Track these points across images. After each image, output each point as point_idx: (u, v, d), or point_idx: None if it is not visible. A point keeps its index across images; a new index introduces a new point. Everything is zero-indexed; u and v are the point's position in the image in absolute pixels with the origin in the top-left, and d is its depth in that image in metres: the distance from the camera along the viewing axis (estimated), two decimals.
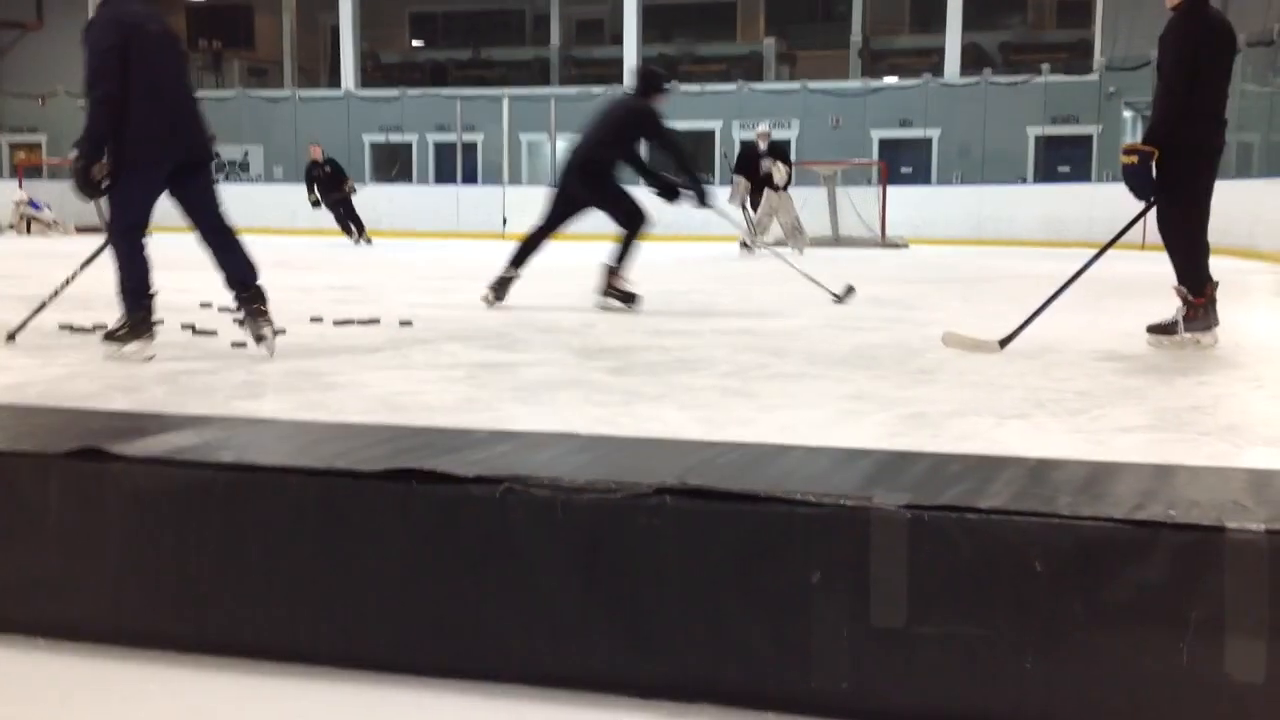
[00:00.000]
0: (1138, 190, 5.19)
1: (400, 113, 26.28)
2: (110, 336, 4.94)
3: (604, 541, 1.84)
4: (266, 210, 23.50)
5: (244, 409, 3.59)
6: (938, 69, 24.81)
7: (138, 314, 4.97)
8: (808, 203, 18.87)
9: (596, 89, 25.63)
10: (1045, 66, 23.27)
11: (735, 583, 1.78)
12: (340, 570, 1.94)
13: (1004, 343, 5.03)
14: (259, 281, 5.20)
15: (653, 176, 8.18)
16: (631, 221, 7.75)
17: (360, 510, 1.93)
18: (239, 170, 27.37)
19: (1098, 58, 22.99)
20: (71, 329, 5.77)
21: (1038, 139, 23.32)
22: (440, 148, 26.35)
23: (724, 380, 4.31)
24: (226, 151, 27.22)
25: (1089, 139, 22.82)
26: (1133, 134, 22.05)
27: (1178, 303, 5.30)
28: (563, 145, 26.03)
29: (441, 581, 1.91)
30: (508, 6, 30.98)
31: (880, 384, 4.24)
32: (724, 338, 5.68)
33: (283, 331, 5.67)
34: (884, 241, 18.07)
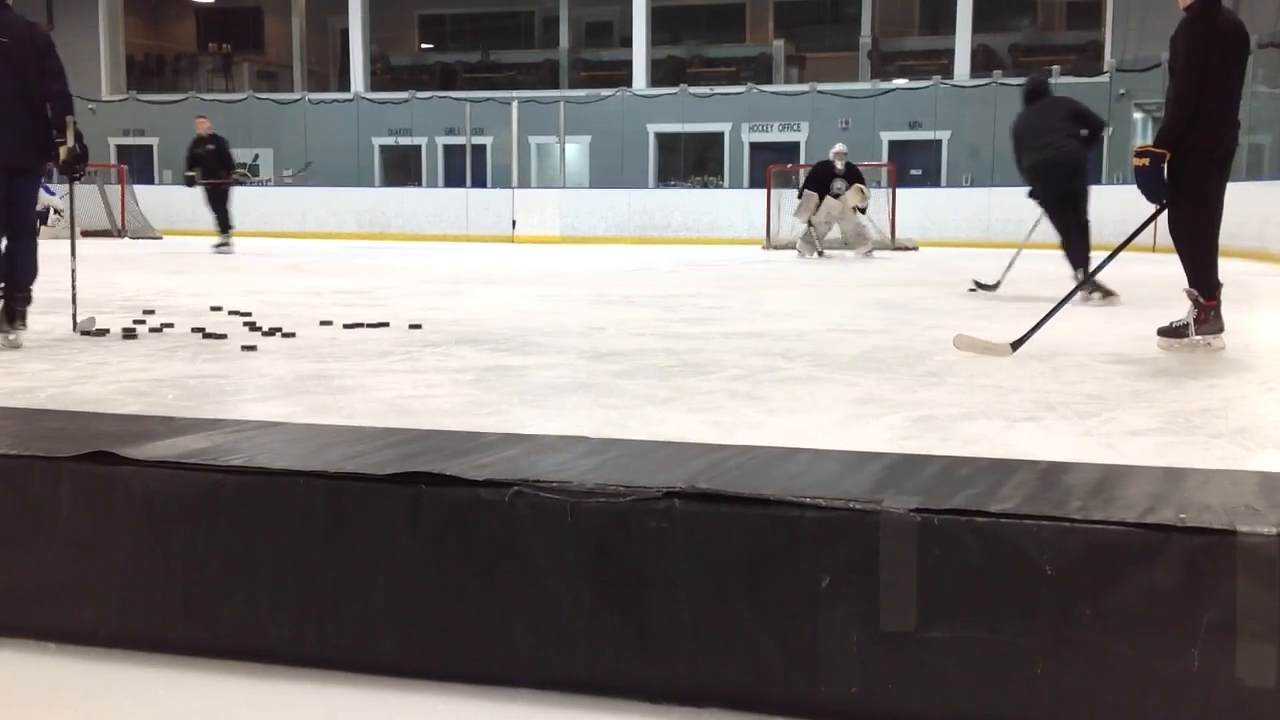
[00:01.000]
0: (1150, 193, 5.18)
1: (409, 115, 26.33)
2: None
3: (613, 545, 1.84)
4: (276, 214, 23.58)
5: (254, 412, 3.59)
6: (947, 71, 24.79)
7: None
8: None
9: (605, 91, 25.67)
10: (1055, 68, 23.23)
11: (744, 586, 1.78)
12: (350, 574, 1.94)
13: (1016, 345, 5.02)
14: (32, 286, 5.65)
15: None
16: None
17: (370, 514, 1.93)
18: (249, 173, 27.42)
19: (1108, 59, 22.94)
20: (84, 332, 5.79)
21: None
22: (449, 150, 26.39)
23: (733, 384, 4.31)
24: (236, 154, 27.32)
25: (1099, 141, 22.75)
26: (1143, 136, 21.99)
27: (1188, 305, 5.29)
28: (573, 148, 26.04)
29: (450, 585, 1.91)
30: (517, 9, 31.02)
31: (889, 387, 4.23)
32: (732, 341, 5.68)
33: (293, 335, 5.70)
34: (894, 243, 18.04)
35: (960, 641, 1.69)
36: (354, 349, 5.25)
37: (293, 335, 5.70)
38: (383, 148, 26.95)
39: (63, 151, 5.60)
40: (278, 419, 3.03)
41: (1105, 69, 22.81)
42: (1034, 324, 5.12)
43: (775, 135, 24.87)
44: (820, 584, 1.74)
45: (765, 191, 19.69)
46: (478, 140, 25.32)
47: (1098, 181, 21.80)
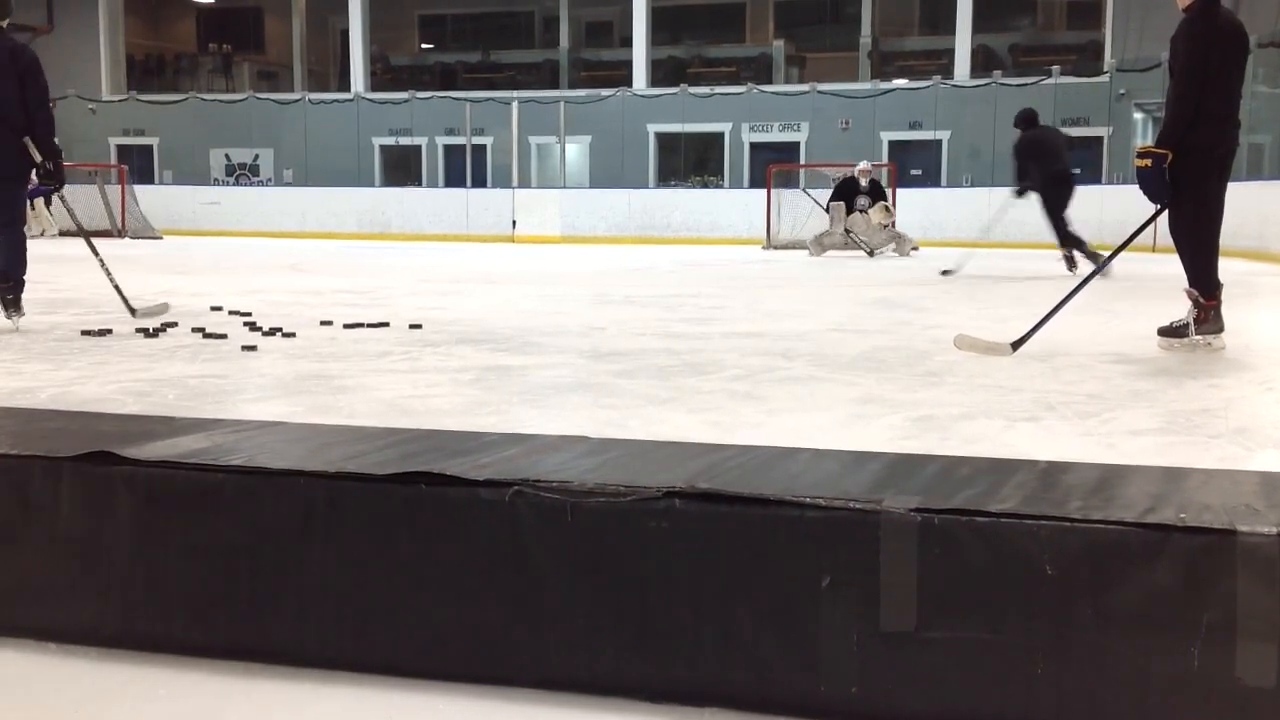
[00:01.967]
0: (1151, 193, 5.18)
1: (409, 116, 26.33)
2: None
3: (613, 545, 1.84)
4: (276, 214, 23.58)
5: (254, 412, 3.59)
6: (947, 71, 24.79)
7: None
8: (817, 206, 18.86)
9: (605, 91, 25.67)
10: (1055, 68, 23.23)
11: (744, 586, 1.78)
12: (350, 573, 1.94)
13: (1016, 345, 5.02)
14: (24, 278, 6.20)
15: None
16: None
17: (370, 513, 1.93)
18: (249, 173, 27.44)
19: (1108, 59, 22.94)
20: (84, 332, 5.79)
21: None
22: (449, 150, 26.39)
23: (733, 383, 4.31)
24: (236, 154, 27.35)
25: (1099, 141, 22.77)
26: (1144, 136, 22.00)
27: (1188, 305, 5.29)
28: (573, 148, 26.03)
29: (450, 585, 1.91)
30: (517, 9, 31.02)
31: (889, 387, 4.23)
32: (733, 341, 5.68)
33: (293, 335, 5.70)
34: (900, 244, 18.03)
35: (960, 641, 1.69)
36: (354, 349, 5.25)
37: (293, 335, 5.71)
38: (383, 148, 26.96)
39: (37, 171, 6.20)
40: (278, 419, 3.03)
41: (1105, 69, 22.81)
42: (1034, 324, 5.13)
43: (775, 135, 24.88)
44: (820, 584, 1.74)
45: (765, 191, 19.70)
46: (478, 140, 25.33)
47: (1098, 181, 21.84)
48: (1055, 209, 10.84)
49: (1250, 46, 5.31)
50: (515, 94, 25.28)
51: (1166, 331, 5.33)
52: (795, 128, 24.61)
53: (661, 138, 25.73)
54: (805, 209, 19.21)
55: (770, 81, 27.04)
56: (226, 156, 27.41)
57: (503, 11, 31.00)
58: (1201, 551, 1.61)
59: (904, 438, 3.29)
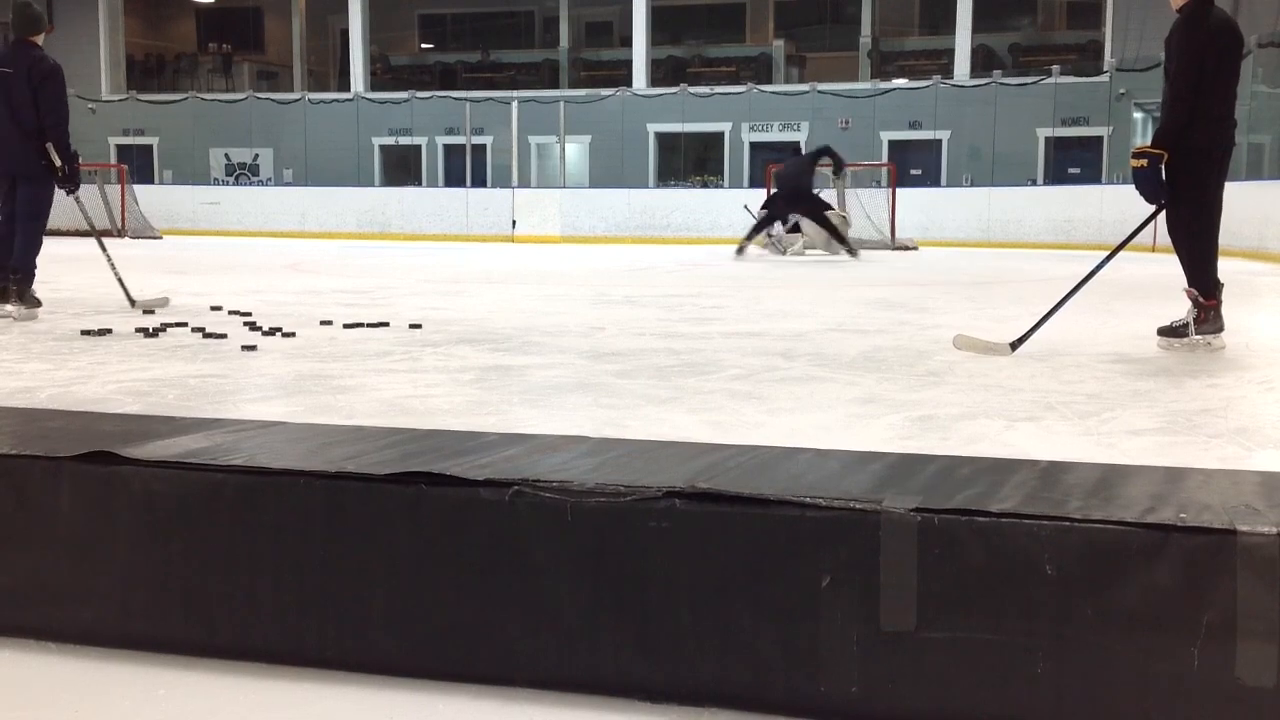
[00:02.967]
0: (1148, 193, 5.19)
1: (409, 115, 26.34)
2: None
3: (613, 544, 1.84)
4: (276, 214, 23.58)
5: (254, 412, 3.59)
6: (947, 71, 24.80)
7: None
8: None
9: (605, 91, 25.68)
10: (1055, 68, 23.24)
11: (744, 586, 1.78)
12: (349, 573, 1.94)
13: (1015, 345, 5.02)
14: (29, 269, 6.72)
15: None
16: None
17: (369, 513, 1.93)
18: (249, 173, 27.45)
19: (1108, 59, 22.94)
20: (82, 331, 5.79)
21: (1048, 141, 23.30)
22: (449, 150, 26.40)
23: (733, 383, 4.31)
24: (236, 154, 27.36)
25: (1099, 141, 22.78)
26: (1143, 135, 22.02)
27: (1188, 305, 5.29)
28: (573, 148, 26.05)
29: (450, 585, 1.91)
30: (517, 9, 31.03)
31: (889, 386, 4.23)
32: (732, 341, 5.68)
33: (293, 335, 5.70)
34: (893, 243, 18.06)
35: (960, 641, 1.69)
36: (354, 349, 5.25)
37: (293, 335, 5.71)
38: (383, 148, 26.96)
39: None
40: (278, 419, 3.03)
41: (1105, 69, 22.81)
42: (1033, 324, 5.13)
43: (775, 135, 24.88)
44: (820, 584, 1.74)
45: (765, 191, 19.68)
46: (478, 140, 25.33)
47: (1098, 181, 21.85)
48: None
49: (1246, 46, 5.31)
50: (515, 94, 25.28)
51: (1166, 331, 5.33)
52: (795, 128, 24.61)
53: (661, 138, 25.74)
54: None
55: (770, 81, 27.05)
56: (226, 156, 27.42)
57: (503, 11, 31.01)
58: (1201, 551, 1.61)
59: (904, 438, 3.29)
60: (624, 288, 9.67)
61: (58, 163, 6.69)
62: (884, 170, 20.86)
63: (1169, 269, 5.88)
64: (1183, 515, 1.66)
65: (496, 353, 5.17)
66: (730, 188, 24.15)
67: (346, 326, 6.08)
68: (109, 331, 5.78)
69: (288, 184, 26.20)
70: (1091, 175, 22.45)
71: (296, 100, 27.39)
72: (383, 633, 1.93)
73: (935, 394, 4.08)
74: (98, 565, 2.05)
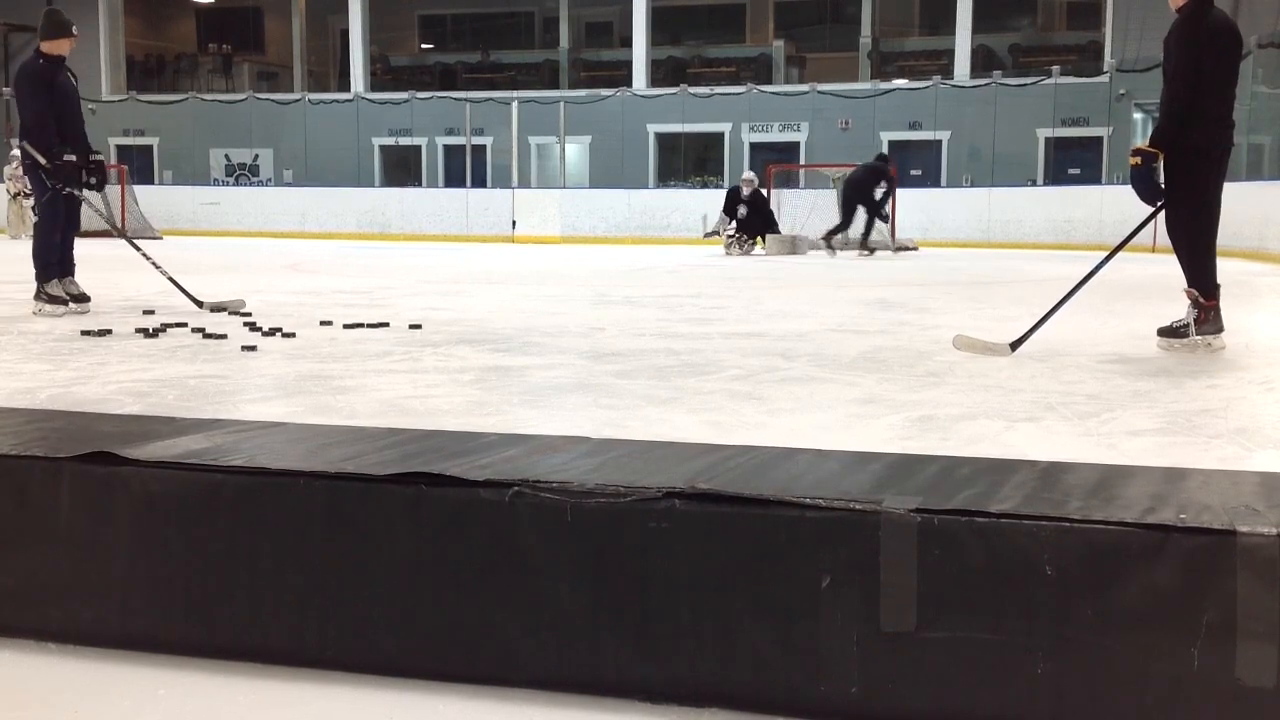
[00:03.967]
0: (1143, 193, 5.19)
1: (409, 116, 26.34)
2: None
3: (613, 545, 1.84)
4: (276, 214, 23.57)
5: (254, 412, 3.59)
6: (947, 71, 24.80)
7: None
8: (816, 205, 18.87)
9: (605, 91, 25.68)
10: (1055, 68, 23.24)
11: (744, 586, 1.78)
12: (349, 574, 1.94)
13: (1015, 345, 5.02)
14: (45, 269, 7.03)
15: None
16: None
17: (369, 514, 1.93)
18: (249, 174, 27.45)
19: (1108, 59, 22.95)
20: (81, 332, 5.79)
21: (1048, 141, 23.30)
22: (449, 150, 26.40)
23: (732, 384, 4.31)
24: (236, 155, 27.36)
25: (1099, 141, 22.78)
26: (1143, 136, 22.01)
27: (1188, 305, 5.29)
28: (573, 148, 26.04)
29: (450, 585, 1.91)
30: (517, 9, 31.03)
31: (889, 387, 4.23)
32: (732, 341, 5.68)
33: (293, 335, 5.70)
34: (893, 243, 18.05)
35: (960, 641, 1.69)
36: (354, 349, 5.25)
37: (293, 335, 5.70)
38: (383, 148, 26.96)
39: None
40: (278, 419, 3.03)
41: (1105, 69, 22.81)
42: (1033, 324, 5.13)
43: (775, 135, 24.89)
44: (820, 584, 1.74)
45: (766, 191, 19.68)
46: (478, 140, 25.33)
47: (1098, 182, 21.85)
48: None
49: (1245, 46, 5.32)
50: (515, 94, 25.28)
51: (1166, 332, 5.33)
52: (795, 128, 24.62)
53: (661, 138, 25.74)
54: (805, 208, 19.22)
55: (770, 81, 27.05)
56: (226, 156, 27.42)
57: (503, 11, 31.00)
58: (1201, 551, 1.61)
59: (904, 438, 3.29)
60: (624, 288, 9.67)
61: (42, 162, 6.85)
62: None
63: (1169, 269, 5.87)
64: (1183, 516, 1.66)
65: (496, 353, 5.17)
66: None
67: (346, 327, 6.08)
68: (109, 332, 5.78)
69: (288, 184, 26.20)
70: (1091, 176, 22.45)
71: (296, 101, 27.40)
72: (383, 633, 1.93)
73: (935, 394, 4.08)
74: (98, 565, 2.05)
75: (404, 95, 26.69)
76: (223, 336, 5.57)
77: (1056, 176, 23.06)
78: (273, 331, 5.75)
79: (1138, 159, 5.14)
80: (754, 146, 24.96)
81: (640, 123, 25.47)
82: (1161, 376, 4.59)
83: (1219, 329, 5.24)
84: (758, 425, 3.52)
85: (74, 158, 6.92)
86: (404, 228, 22.77)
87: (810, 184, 21.13)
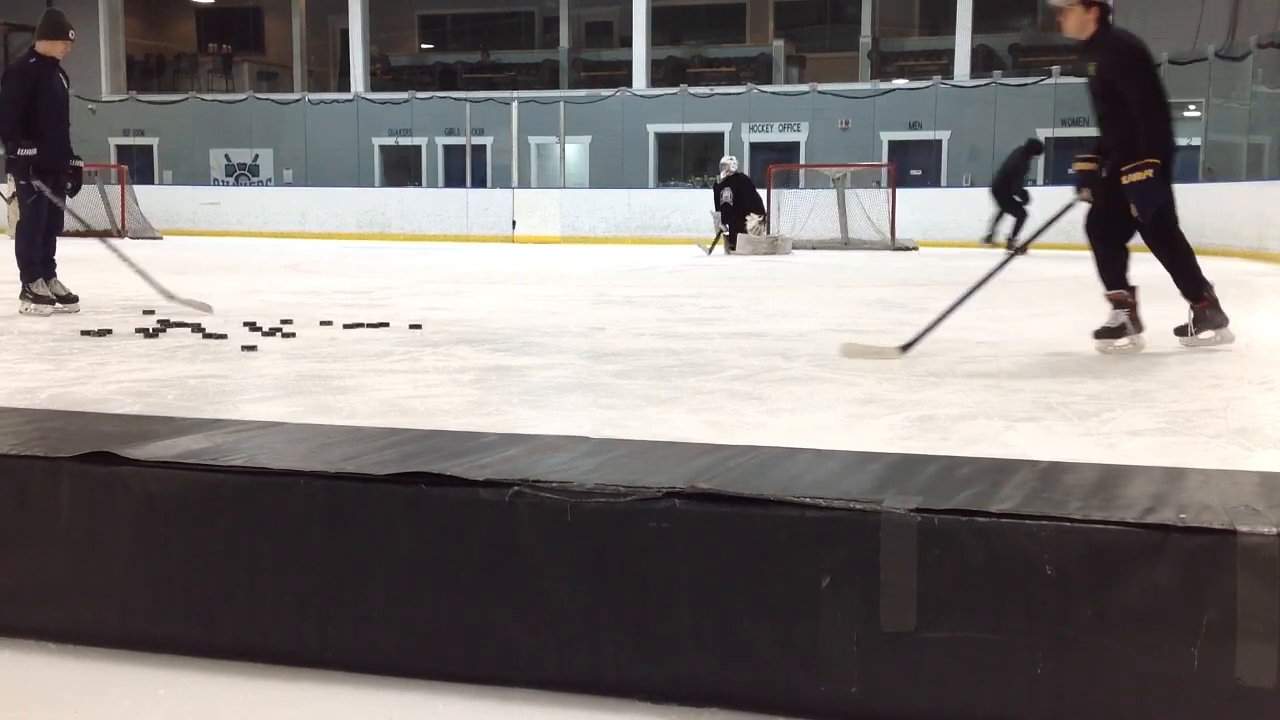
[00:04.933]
0: (1157, 201, 5.13)
1: (409, 116, 26.33)
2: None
3: (613, 545, 1.84)
4: (276, 214, 23.56)
5: (254, 412, 3.59)
6: (947, 71, 24.78)
7: None
8: (816, 205, 18.86)
9: (605, 91, 25.67)
10: (1055, 68, 23.21)
11: (744, 586, 1.78)
12: (349, 574, 1.94)
13: (905, 348, 4.95)
14: (28, 268, 7.04)
15: None
16: None
17: (369, 514, 1.93)
18: (249, 174, 27.44)
19: None
20: (83, 332, 5.79)
21: (1048, 141, 23.27)
22: (449, 150, 26.39)
23: (733, 384, 4.31)
24: (236, 155, 27.35)
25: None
26: None
27: (1187, 307, 5.31)
28: (573, 148, 26.02)
29: (450, 585, 1.91)
30: (517, 9, 31.02)
31: (889, 387, 4.23)
32: (732, 341, 5.68)
33: (293, 335, 5.70)
34: (893, 244, 18.06)
35: (960, 641, 1.69)
36: (354, 349, 5.25)
37: (293, 335, 5.70)
38: (383, 148, 26.95)
39: None
40: (278, 419, 3.03)
41: None
42: (926, 325, 5.07)
43: (775, 135, 24.88)
44: (820, 584, 1.74)
45: (765, 192, 19.69)
46: (478, 140, 25.32)
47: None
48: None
49: (1246, 46, 5.36)
50: (515, 94, 25.27)
51: (1103, 333, 5.30)
52: (795, 128, 24.61)
53: (661, 138, 25.73)
54: (806, 208, 19.21)
55: (770, 81, 27.04)
56: (226, 157, 27.41)
57: (503, 11, 30.99)
58: (1201, 551, 1.61)
59: (904, 438, 3.29)
60: (624, 288, 9.67)
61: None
62: (884, 170, 20.85)
63: (1161, 269, 5.87)
64: (1182, 515, 1.66)
65: (496, 353, 5.17)
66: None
67: (346, 327, 6.08)
68: (109, 332, 5.78)
69: (288, 184, 26.18)
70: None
71: (296, 101, 27.38)
72: (383, 633, 1.93)
73: (935, 394, 4.08)
74: (98, 565, 2.05)
75: (404, 95, 26.67)
76: (223, 337, 5.57)
77: (1056, 176, 23.03)
78: (273, 331, 5.75)
79: (1146, 171, 5.05)
80: (754, 146, 24.95)
81: (640, 123, 25.46)
82: (1162, 376, 4.60)
83: (1223, 321, 5.27)
84: (758, 425, 3.52)
85: (33, 152, 6.81)
86: (404, 228, 22.76)
87: (810, 184, 21.11)
